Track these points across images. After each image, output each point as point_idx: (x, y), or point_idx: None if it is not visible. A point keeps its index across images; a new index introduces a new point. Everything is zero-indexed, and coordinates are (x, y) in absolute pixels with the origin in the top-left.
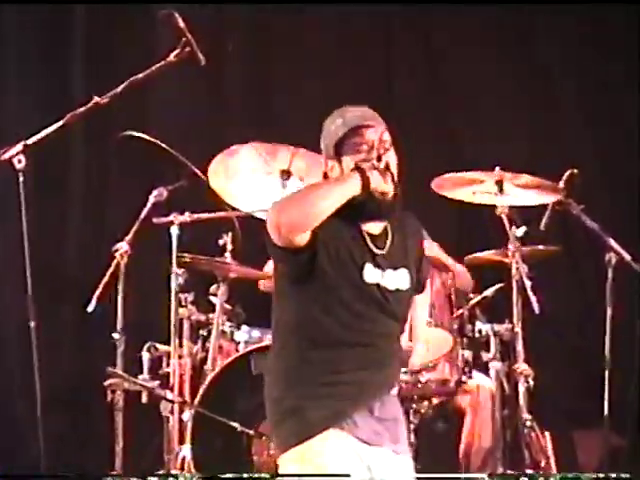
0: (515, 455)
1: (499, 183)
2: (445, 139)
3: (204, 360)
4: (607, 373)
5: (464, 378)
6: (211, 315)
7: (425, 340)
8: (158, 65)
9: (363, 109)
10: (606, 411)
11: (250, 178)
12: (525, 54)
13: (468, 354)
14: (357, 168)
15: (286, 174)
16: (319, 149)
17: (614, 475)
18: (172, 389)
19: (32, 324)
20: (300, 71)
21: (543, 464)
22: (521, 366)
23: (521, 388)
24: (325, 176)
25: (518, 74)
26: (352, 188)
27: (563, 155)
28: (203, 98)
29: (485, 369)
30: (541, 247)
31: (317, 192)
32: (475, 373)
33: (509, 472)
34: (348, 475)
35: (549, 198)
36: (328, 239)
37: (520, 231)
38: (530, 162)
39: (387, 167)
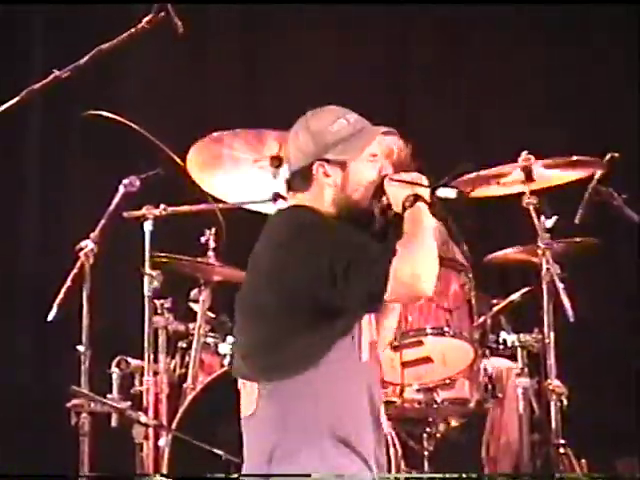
0: None
1: (526, 169)
2: (464, 136)
3: (183, 377)
4: None
5: (486, 397)
6: (191, 324)
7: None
8: (128, 33)
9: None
10: None
11: (235, 167)
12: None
13: (491, 369)
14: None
15: (277, 161)
16: None
17: None
18: (146, 411)
19: None
20: (290, 48)
21: None
22: (553, 383)
23: (553, 408)
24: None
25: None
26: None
27: (601, 141)
28: (183, 75)
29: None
30: (577, 239)
31: (426, 240)
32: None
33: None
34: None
35: (586, 172)
36: None
37: (550, 222)
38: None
39: None
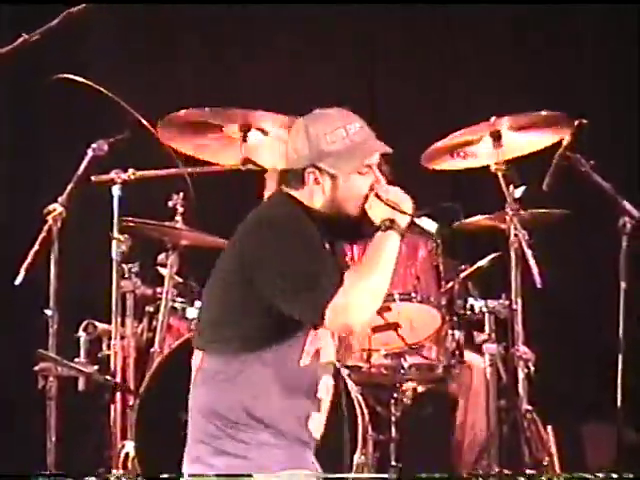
0: (513, 452)
1: (495, 134)
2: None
3: (151, 341)
4: (620, 358)
5: (454, 362)
6: (159, 289)
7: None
8: None
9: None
10: (619, 402)
11: (205, 133)
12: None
13: (458, 335)
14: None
15: (246, 127)
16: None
17: (631, 475)
18: (114, 375)
19: None
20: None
21: (545, 462)
22: (520, 349)
23: (520, 374)
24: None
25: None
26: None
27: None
28: (152, 39)
29: (478, 352)
30: (544, 210)
31: (379, 271)
32: (467, 353)
33: (505, 471)
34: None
35: (556, 137)
36: None
37: (519, 191)
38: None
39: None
